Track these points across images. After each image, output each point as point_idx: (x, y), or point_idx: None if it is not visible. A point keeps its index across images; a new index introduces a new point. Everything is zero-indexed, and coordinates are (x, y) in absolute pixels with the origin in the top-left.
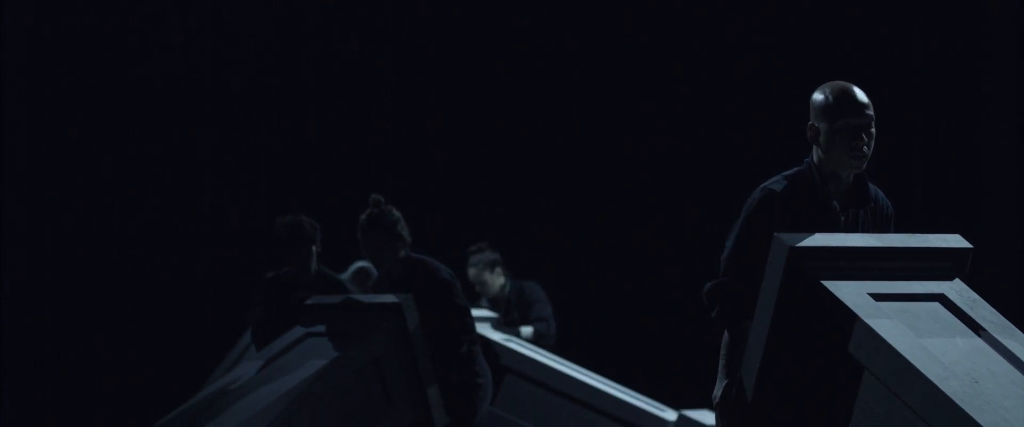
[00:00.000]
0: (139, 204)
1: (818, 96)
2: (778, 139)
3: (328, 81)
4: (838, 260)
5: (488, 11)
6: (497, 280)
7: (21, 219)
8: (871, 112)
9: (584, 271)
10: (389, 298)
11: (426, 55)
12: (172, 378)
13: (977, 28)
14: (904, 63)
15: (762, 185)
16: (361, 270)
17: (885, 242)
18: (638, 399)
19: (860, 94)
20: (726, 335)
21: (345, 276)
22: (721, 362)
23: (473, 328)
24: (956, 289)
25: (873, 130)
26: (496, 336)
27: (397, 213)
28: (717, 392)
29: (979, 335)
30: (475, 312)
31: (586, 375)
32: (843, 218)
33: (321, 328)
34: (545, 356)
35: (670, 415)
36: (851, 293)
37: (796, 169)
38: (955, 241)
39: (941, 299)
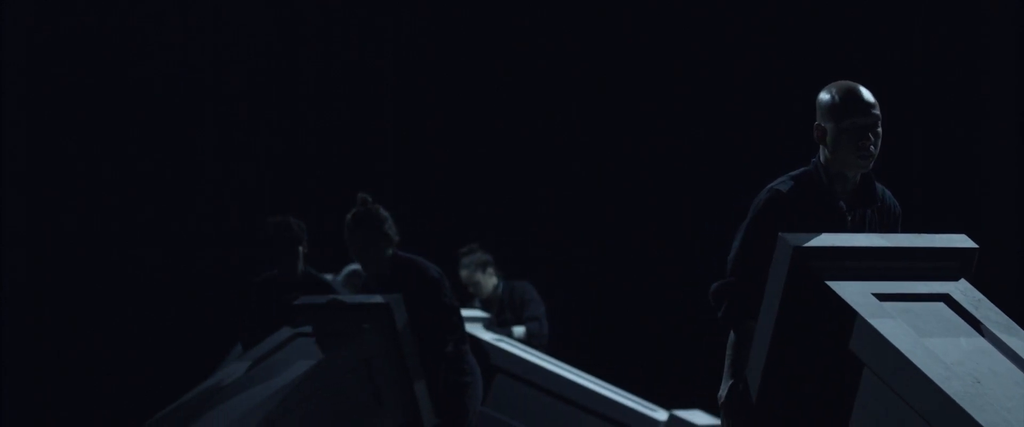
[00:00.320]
0: (139, 204)
1: (824, 96)
2: (778, 139)
3: (328, 81)
4: (842, 260)
5: (488, 11)
6: (489, 281)
7: (21, 219)
8: (878, 112)
9: (583, 271)
10: (378, 298)
11: (426, 55)
12: (172, 378)
13: (977, 28)
14: (904, 63)
15: (768, 186)
16: (355, 272)
17: (890, 242)
18: (629, 399)
19: (866, 94)
20: (732, 335)
21: (339, 277)
22: (727, 362)
23: (461, 327)
24: (961, 289)
25: (880, 130)
26: (487, 336)
27: (385, 213)
28: (722, 392)
29: (983, 335)
30: (466, 312)
31: (577, 375)
32: (850, 218)
33: (310, 328)
34: (536, 356)
35: (661, 415)
36: (855, 293)
37: (803, 169)
38: (961, 241)
39: (946, 299)
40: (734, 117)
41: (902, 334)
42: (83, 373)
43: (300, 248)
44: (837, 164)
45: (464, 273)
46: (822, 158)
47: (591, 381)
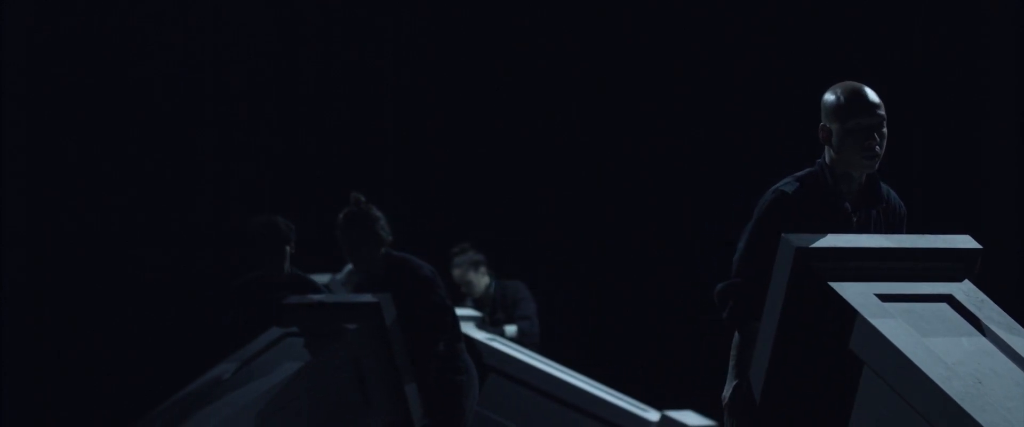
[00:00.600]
0: (139, 204)
1: (829, 97)
2: (778, 139)
3: (328, 81)
4: (845, 261)
5: (488, 11)
6: (482, 280)
7: (21, 219)
8: (882, 112)
9: (583, 271)
10: (367, 297)
11: (426, 55)
12: (172, 378)
13: (977, 28)
14: (904, 63)
15: (773, 187)
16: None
17: (893, 243)
18: (621, 399)
19: (871, 94)
20: (736, 336)
21: (339, 276)
22: (731, 362)
23: (456, 326)
24: (964, 290)
25: (885, 130)
26: (480, 335)
27: (377, 212)
28: (726, 392)
29: (985, 336)
30: (459, 311)
31: (569, 375)
32: (855, 219)
33: (299, 328)
34: (528, 355)
35: (653, 415)
36: (857, 293)
37: (808, 170)
38: (964, 242)
39: (949, 300)
40: (734, 117)
41: (903, 334)
42: (83, 373)
43: (287, 247)
44: (842, 165)
45: (456, 272)
46: (827, 159)
47: (584, 381)
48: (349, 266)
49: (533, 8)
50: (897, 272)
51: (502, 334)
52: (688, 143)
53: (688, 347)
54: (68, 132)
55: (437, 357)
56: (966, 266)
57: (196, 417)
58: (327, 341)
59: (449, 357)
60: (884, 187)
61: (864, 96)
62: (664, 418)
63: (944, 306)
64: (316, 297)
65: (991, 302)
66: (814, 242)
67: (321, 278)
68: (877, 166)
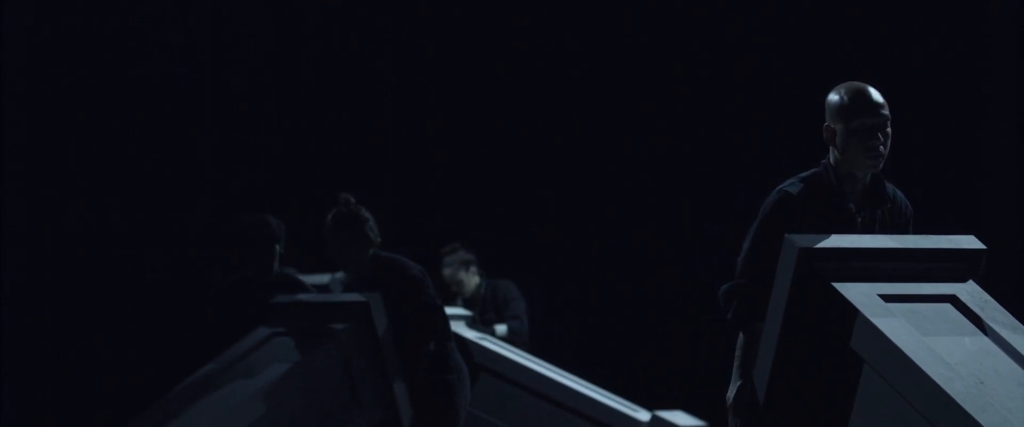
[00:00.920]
0: (139, 204)
1: (833, 97)
2: (778, 139)
3: (328, 81)
4: (848, 261)
5: (488, 11)
6: (472, 280)
7: (21, 219)
8: (887, 112)
9: (582, 271)
10: (356, 297)
11: (426, 55)
12: (172, 378)
13: (977, 28)
14: (904, 63)
15: (778, 187)
16: None
17: (897, 243)
18: (611, 399)
19: (875, 94)
20: (741, 336)
21: (339, 275)
22: (735, 363)
23: (445, 326)
24: (968, 290)
25: (889, 130)
26: (470, 334)
27: (367, 213)
28: (731, 393)
29: (988, 336)
30: (449, 310)
31: (560, 375)
32: (860, 219)
33: (288, 328)
34: (519, 355)
35: (643, 416)
36: (860, 294)
37: (812, 171)
38: (969, 242)
39: (952, 300)
40: (734, 117)
41: (905, 334)
42: (83, 373)
43: (277, 247)
44: (847, 165)
45: (447, 272)
46: (832, 159)
47: (574, 381)
48: None
49: (533, 8)
50: (901, 273)
51: (492, 333)
52: (688, 143)
53: (679, 348)
54: (68, 132)
55: (427, 357)
56: (970, 266)
57: (186, 418)
58: (317, 341)
59: (440, 357)
60: (890, 187)
61: (868, 96)
62: (655, 418)
63: (947, 306)
64: (305, 297)
65: (995, 302)
66: (817, 242)
67: (321, 278)
68: (881, 166)
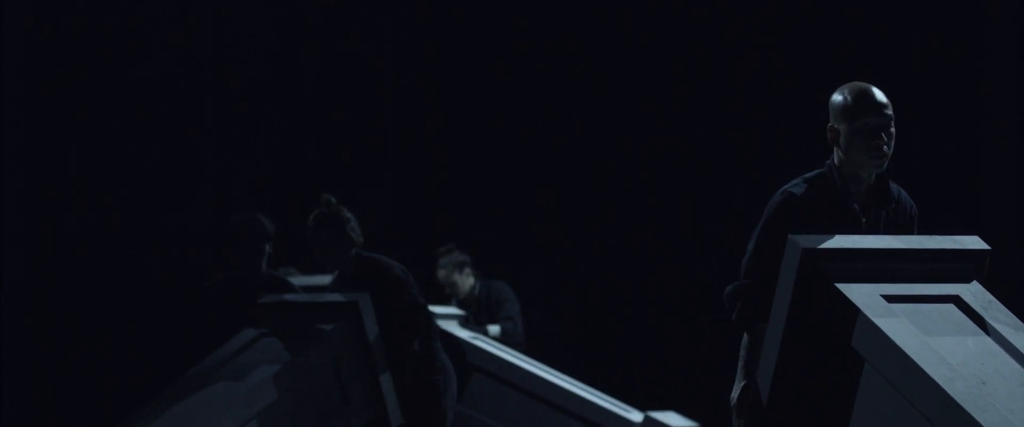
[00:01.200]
0: (140, 204)
1: (837, 97)
2: (778, 139)
3: (328, 81)
4: (851, 262)
5: (488, 11)
6: (466, 281)
7: (21, 219)
8: (890, 112)
9: (580, 272)
10: (346, 297)
11: (426, 55)
12: (172, 378)
13: (977, 28)
14: (904, 63)
15: (782, 188)
16: None
17: (900, 244)
18: (604, 400)
19: (879, 94)
20: (745, 337)
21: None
22: (740, 363)
23: (429, 325)
24: (972, 291)
25: (893, 130)
26: (463, 333)
27: (349, 214)
28: (735, 393)
29: (991, 337)
30: (442, 309)
31: (553, 375)
32: (864, 220)
33: (277, 328)
34: (512, 355)
35: (636, 416)
36: (863, 294)
37: (817, 171)
38: (973, 242)
39: (956, 301)
40: (734, 117)
41: (907, 334)
42: (83, 373)
43: (267, 247)
44: (851, 165)
45: (441, 273)
46: (836, 160)
47: (567, 381)
48: None
49: (533, 8)
50: (905, 273)
51: (485, 333)
52: (688, 143)
53: (673, 348)
54: (68, 132)
55: (412, 357)
56: (975, 267)
57: (175, 420)
58: (306, 341)
59: (425, 357)
60: (895, 188)
61: (871, 96)
62: (647, 419)
63: (950, 307)
64: (295, 297)
65: (998, 303)
66: (821, 243)
67: (322, 279)
68: (885, 166)
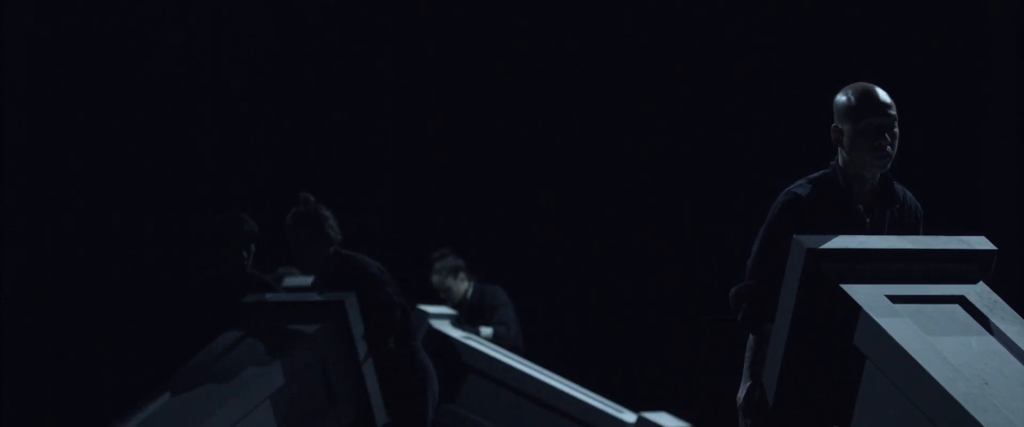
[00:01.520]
0: (140, 204)
1: (841, 98)
2: (778, 139)
3: (328, 81)
4: (856, 262)
5: (488, 11)
6: (461, 286)
7: (21, 219)
8: (894, 112)
9: (583, 272)
10: (331, 296)
11: (426, 55)
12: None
13: (977, 28)
14: (904, 63)
15: (786, 189)
16: None
17: (905, 244)
18: (597, 400)
19: (882, 94)
20: (751, 337)
21: None
22: (746, 364)
23: (406, 323)
24: (977, 291)
25: (896, 130)
26: (456, 333)
27: (326, 212)
28: (741, 393)
29: (995, 337)
30: (434, 309)
31: (546, 375)
32: (869, 220)
33: (263, 328)
34: (506, 355)
35: (629, 417)
36: (867, 294)
37: (821, 172)
38: (979, 243)
39: (961, 301)
40: (734, 117)
41: (910, 334)
42: (83, 373)
43: (252, 247)
44: (855, 166)
45: (436, 278)
46: (840, 160)
47: (560, 381)
48: None
49: (533, 8)
50: (910, 273)
51: (477, 334)
52: (688, 143)
53: (666, 349)
54: (68, 132)
55: (388, 355)
56: (981, 267)
57: (169, 420)
58: (293, 341)
59: (403, 357)
60: (900, 188)
61: (875, 96)
62: (640, 419)
63: (955, 307)
64: (280, 296)
65: (1004, 303)
66: (825, 243)
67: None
68: (889, 166)
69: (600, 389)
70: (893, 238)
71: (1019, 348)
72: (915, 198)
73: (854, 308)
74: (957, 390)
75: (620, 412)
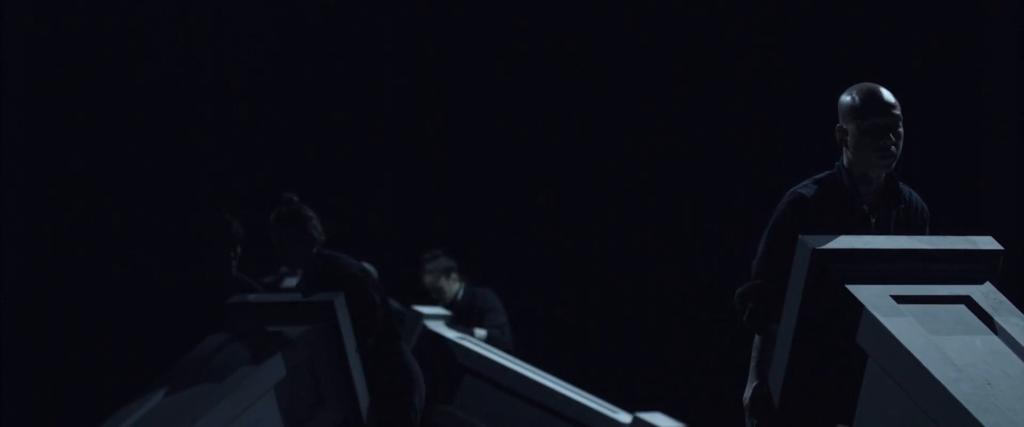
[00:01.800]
0: (139, 204)
1: (845, 98)
2: (778, 139)
3: (328, 81)
4: (861, 262)
5: (488, 11)
6: (452, 287)
7: (21, 219)
8: (898, 112)
9: (583, 272)
10: (319, 297)
11: (426, 55)
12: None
13: (977, 28)
14: (904, 63)
15: (791, 189)
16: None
17: (911, 244)
18: (592, 401)
19: (886, 94)
20: (757, 338)
21: None
22: (752, 364)
23: (389, 324)
24: (983, 291)
25: (901, 130)
26: (450, 334)
27: (310, 212)
28: (747, 393)
29: (1000, 337)
30: (429, 310)
31: (540, 376)
32: (874, 220)
33: (251, 328)
34: (500, 356)
35: (624, 417)
36: (872, 295)
37: (826, 173)
38: (985, 243)
39: (966, 301)
40: (734, 117)
41: (914, 334)
42: (83, 373)
43: (238, 249)
44: (859, 166)
45: (428, 279)
46: (845, 160)
47: (555, 382)
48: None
49: (533, 8)
50: (915, 274)
51: (471, 334)
52: (688, 143)
53: (661, 349)
54: (68, 132)
55: (371, 355)
56: (988, 267)
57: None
58: (283, 342)
59: (387, 357)
60: (906, 188)
61: (879, 96)
62: (635, 420)
63: (961, 307)
64: (269, 296)
65: (1010, 304)
66: (830, 244)
67: None
68: (894, 166)
69: (596, 390)
70: (898, 238)
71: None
72: (921, 198)
73: (858, 308)
74: (959, 390)
75: (615, 413)
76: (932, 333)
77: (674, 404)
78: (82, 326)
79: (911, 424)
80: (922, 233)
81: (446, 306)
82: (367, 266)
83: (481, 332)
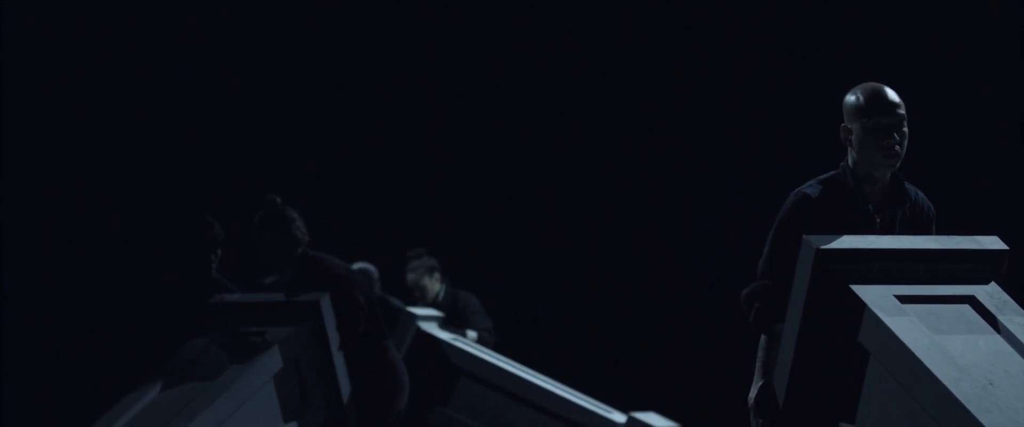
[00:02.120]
0: (140, 204)
1: (850, 98)
2: (778, 139)
3: (328, 81)
4: (865, 262)
5: (488, 11)
6: (434, 286)
7: (21, 219)
8: (903, 111)
9: (583, 272)
10: (308, 297)
11: (426, 55)
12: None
13: (977, 28)
14: (904, 63)
15: (796, 189)
16: (360, 270)
17: (915, 244)
18: (586, 401)
19: (891, 93)
20: (762, 337)
21: None
22: (757, 363)
23: (375, 323)
24: (988, 291)
25: (905, 129)
26: (444, 335)
27: (293, 213)
28: (752, 393)
29: (1003, 336)
30: (420, 310)
31: (535, 376)
32: (879, 220)
33: (236, 329)
34: (494, 356)
35: (619, 417)
36: (876, 294)
37: (831, 173)
38: (990, 242)
39: (970, 301)
40: (734, 117)
41: (916, 333)
42: (83, 373)
43: (219, 251)
44: (864, 165)
45: (411, 277)
46: (850, 160)
47: (549, 382)
48: (357, 265)
49: (533, 8)
50: (920, 274)
51: (463, 335)
52: (688, 143)
53: (656, 349)
54: (68, 132)
55: (355, 355)
56: (992, 267)
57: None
58: (268, 341)
59: (371, 357)
60: (911, 188)
61: (883, 95)
62: (630, 419)
63: (965, 307)
64: (255, 297)
65: (1014, 304)
66: (835, 244)
67: None
68: (898, 165)
69: (590, 390)
70: (903, 238)
71: None
72: (927, 198)
73: (862, 308)
74: (961, 390)
75: (609, 412)
76: (935, 333)
77: (668, 404)
78: (82, 326)
79: (912, 423)
80: (928, 233)
81: (427, 305)
82: (368, 266)
83: (472, 333)
